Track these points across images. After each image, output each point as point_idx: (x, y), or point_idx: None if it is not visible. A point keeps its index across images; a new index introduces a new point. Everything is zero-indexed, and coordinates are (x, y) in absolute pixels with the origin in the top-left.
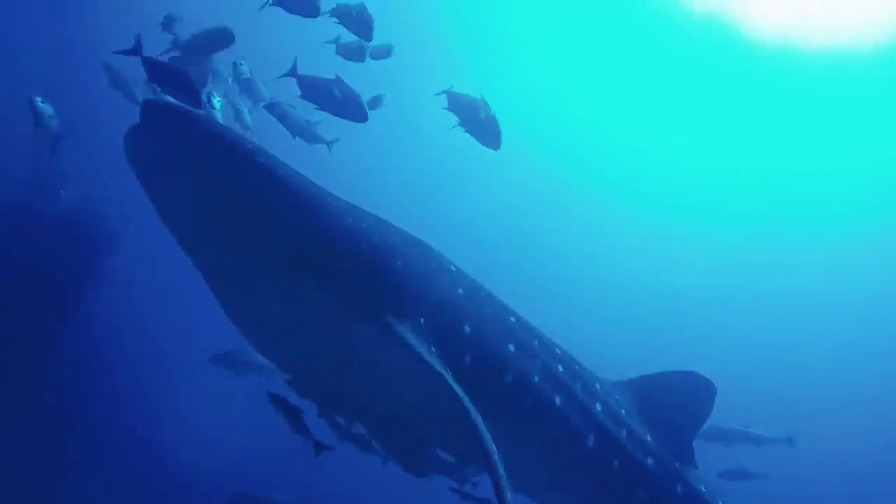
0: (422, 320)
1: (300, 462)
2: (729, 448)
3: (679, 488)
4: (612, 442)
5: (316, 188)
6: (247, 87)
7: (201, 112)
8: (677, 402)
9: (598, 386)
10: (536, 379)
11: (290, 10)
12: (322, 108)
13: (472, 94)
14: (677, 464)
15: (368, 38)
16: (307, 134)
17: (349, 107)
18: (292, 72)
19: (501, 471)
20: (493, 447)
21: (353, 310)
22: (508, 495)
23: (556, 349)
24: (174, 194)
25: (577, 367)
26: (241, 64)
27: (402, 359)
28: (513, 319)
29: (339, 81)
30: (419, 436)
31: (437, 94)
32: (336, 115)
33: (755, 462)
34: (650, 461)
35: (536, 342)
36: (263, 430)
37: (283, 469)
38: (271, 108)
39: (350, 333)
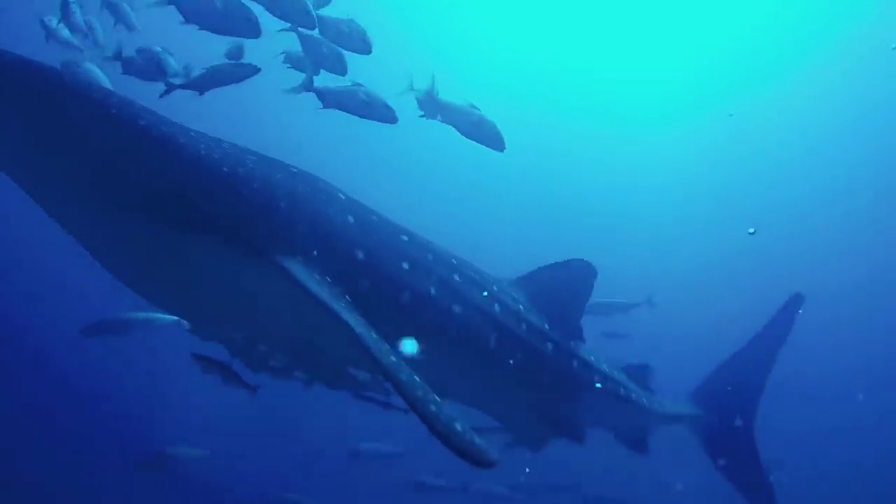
0: (315, 252)
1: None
2: (603, 318)
3: (575, 363)
4: (514, 337)
5: (189, 134)
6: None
7: (37, 62)
8: (565, 287)
9: (495, 288)
10: (433, 292)
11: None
12: (351, 113)
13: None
14: (571, 343)
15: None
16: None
17: (376, 109)
18: (308, 85)
19: (406, 378)
20: (390, 361)
21: (240, 251)
22: (419, 393)
23: (452, 259)
24: (26, 156)
25: (473, 273)
26: None
27: (298, 294)
28: (405, 238)
29: (359, 86)
30: (333, 357)
31: (404, 91)
32: (365, 118)
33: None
34: (549, 346)
35: (430, 256)
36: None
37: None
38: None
39: (241, 274)
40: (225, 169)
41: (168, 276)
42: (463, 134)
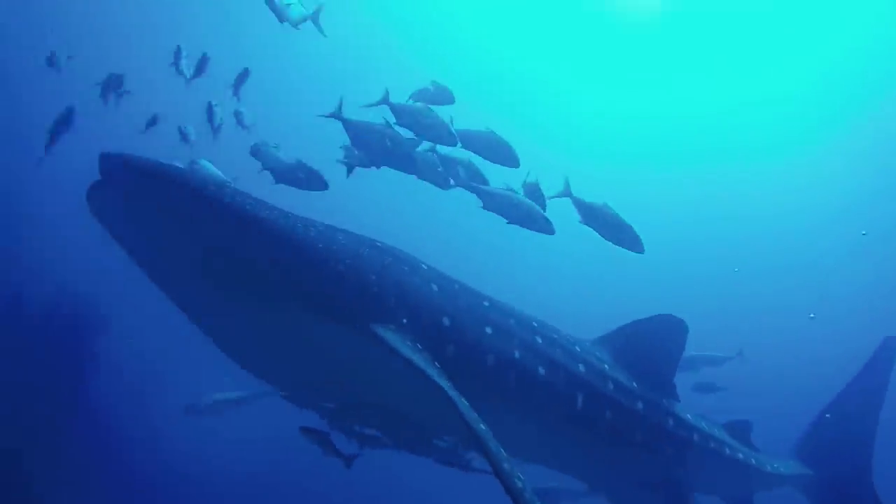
0: (404, 320)
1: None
2: (694, 372)
3: (670, 421)
4: (601, 396)
5: (286, 217)
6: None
7: (158, 161)
8: (654, 344)
9: (577, 348)
10: (517, 355)
11: (491, 160)
12: (416, 134)
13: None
14: (664, 400)
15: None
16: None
17: (439, 131)
18: (384, 100)
19: (494, 447)
20: (480, 428)
21: (337, 321)
22: (506, 466)
23: (533, 322)
24: (143, 239)
25: (554, 335)
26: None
27: (391, 361)
28: (486, 304)
29: (426, 108)
30: (419, 424)
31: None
32: (429, 140)
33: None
34: (640, 405)
35: (512, 320)
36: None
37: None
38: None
39: (339, 343)
40: (320, 246)
41: (271, 347)
42: (607, 239)
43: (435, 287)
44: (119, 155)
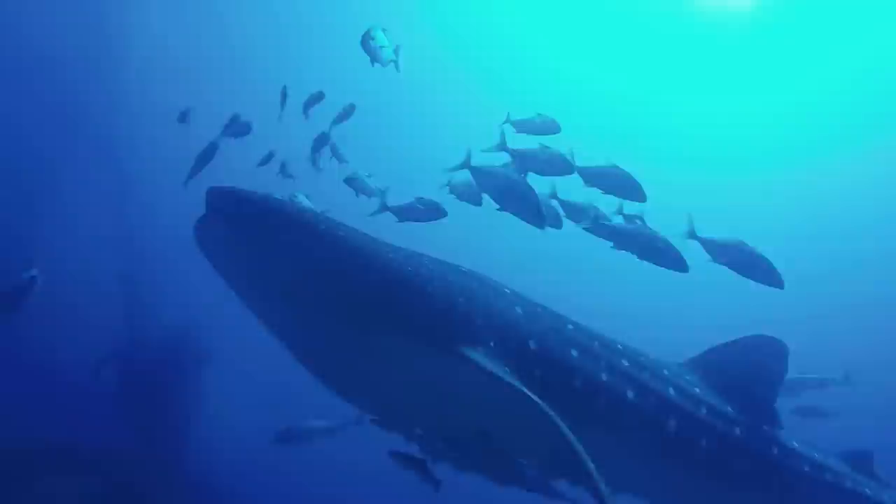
0: (492, 343)
1: None
2: (793, 398)
3: (775, 450)
4: (694, 421)
5: (376, 244)
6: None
7: (260, 193)
8: (752, 367)
9: (666, 371)
10: (605, 378)
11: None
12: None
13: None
14: (766, 427)
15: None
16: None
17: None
18: (502, 146)
19: (596, 474)
20: (582, 451)
21: (430, 348)
22: (603, 488)
23: (618, 345)
24: (247, 272)
25: (641, 358)
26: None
27: (485, 385)
28: (571, 327)
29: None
30: (507, 450)
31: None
32: (551, 174)
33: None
34: (738, 431)
35: (597, 343)
36: None
37: None
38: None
39: (430, 368)
40: (409, 270)
41: (363, 373)
42: (742, 274)
43: (519, 310)
44: (224, 188)
